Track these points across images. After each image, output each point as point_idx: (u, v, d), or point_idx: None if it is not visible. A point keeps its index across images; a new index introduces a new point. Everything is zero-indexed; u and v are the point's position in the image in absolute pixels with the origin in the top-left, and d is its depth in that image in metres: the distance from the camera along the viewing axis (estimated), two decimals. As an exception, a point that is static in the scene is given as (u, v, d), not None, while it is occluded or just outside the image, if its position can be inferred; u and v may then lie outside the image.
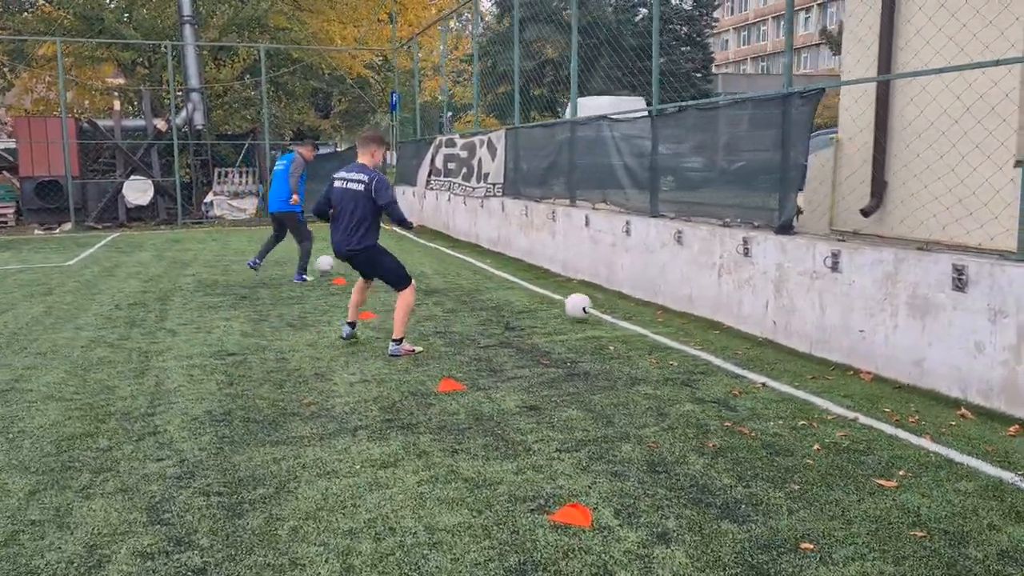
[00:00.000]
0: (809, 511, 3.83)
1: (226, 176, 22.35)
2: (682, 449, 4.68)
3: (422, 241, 16.48)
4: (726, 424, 5.09)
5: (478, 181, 15.14)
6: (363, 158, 7.11)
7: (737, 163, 7.79)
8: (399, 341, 7.00)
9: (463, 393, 5.86)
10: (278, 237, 11.53)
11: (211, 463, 4.59)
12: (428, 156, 18.67)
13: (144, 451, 4.79)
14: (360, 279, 7.53)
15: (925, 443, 4.72)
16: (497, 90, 39.34)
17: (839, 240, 6.58)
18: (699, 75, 44.20)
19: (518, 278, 11.28)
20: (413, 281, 7.27)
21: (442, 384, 6.04)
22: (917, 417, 5.14)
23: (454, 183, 16.61)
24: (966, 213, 6.49)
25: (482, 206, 14.83)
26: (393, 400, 5.71)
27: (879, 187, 7.42)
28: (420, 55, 33.33)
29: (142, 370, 6.62)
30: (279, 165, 11.26)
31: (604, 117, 10.43)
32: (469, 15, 38.49)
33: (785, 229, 7.06)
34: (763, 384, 5.95)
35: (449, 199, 17.00)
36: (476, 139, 15.34)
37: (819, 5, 72.56)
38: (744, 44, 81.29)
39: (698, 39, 44.78)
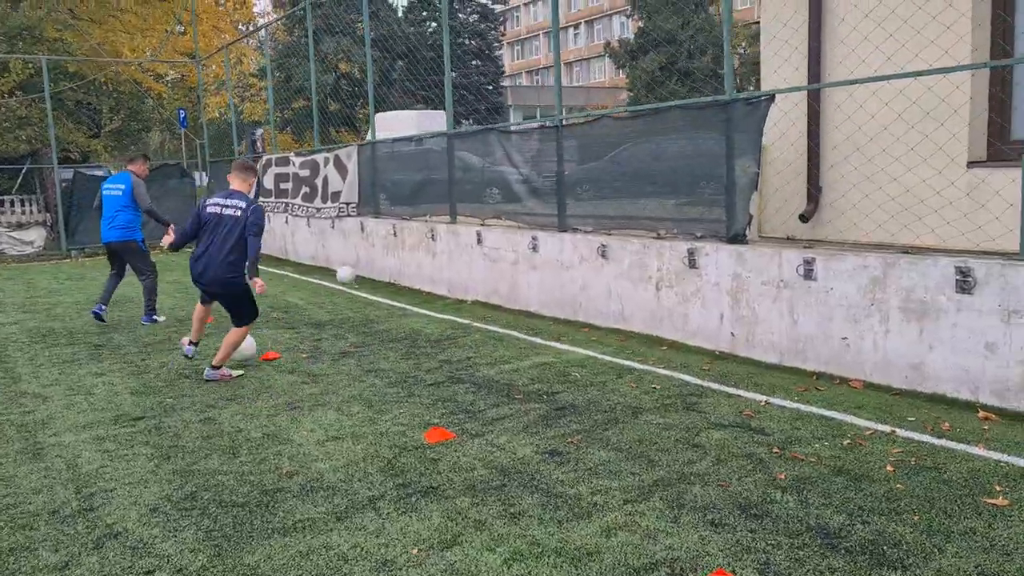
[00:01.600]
0: (956, 547, 3.54)
1: (3, 205, 19.61)
2: (757, 485, 4.28)
3: (267, 268, 15.16)
4: (774, 451, 4.76)
5: (324, 201, 14.13)
6: (239, 185, 6.88)
7: (669, 173, 7.55)
8: (218, 367, 6.85)
9: (457, 442, 5.16)
10: (119, 273, 10.01)
11: (220, 568, 3.65)
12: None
13: (118, 562, 3.75)
14: (200, 304, 7.31)
15: (979, 452, 4.62)
16: (292, 106, 37.69)
17: (807, 247, 6.49)
18: (490, 88, 44.71)
19: (403, 303, 10.51)
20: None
21: (430, 433, 5.30)
22: (948, 424, 5.07)
23: (292, 204, 15.45)
24: (914, 215, 6.60)
25: (333, 227, 13.85)
26: (387, 458, 4.91)
27: (815, 192, 7.45)
28: (207, 69, 31.20)
29: (35, 450, 5.34)
30: (112, 190, 9.76)
31: (492, 129, 9.94)
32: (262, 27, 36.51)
33: (738, 238, 6.89)
34: (765, 402, 5.70)
35: (287, 221, 15.80)
36: (319, 157, 14.32)
37: (586, 22, 76.09)
38: (518, 58, 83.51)
39: (488, 53, 45.24)
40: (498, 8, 45.28)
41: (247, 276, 6.76)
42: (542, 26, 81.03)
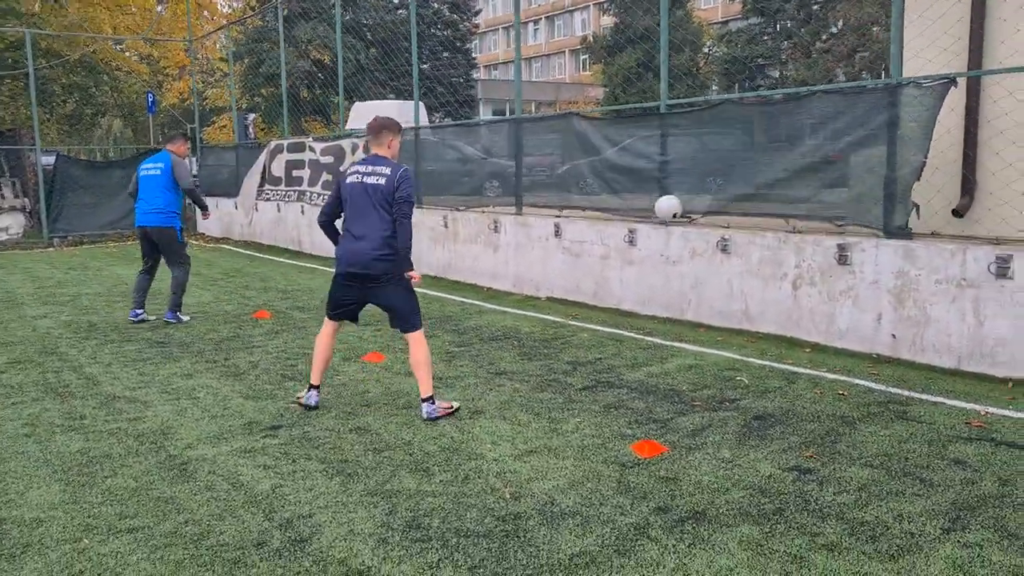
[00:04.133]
0: None
1: (-23, 190, 18.29)
2: (1076, 510, 3.79)
3: (284, 260, 14.31)
4: (1055, 468, 4.27)
5: (351, 189, 13.33)
6: (379, 149, 5.46)
7: (809, 164, 7.05)
8: (432, 400, 5.36)
9: (676, 457, 4.57)
10: (151, 267, 8.85)
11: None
12: (260, 163, 16.38)
13: (392, 611, 3.07)
14: (327, 324, 5.67)
15: None
16: (262, 91, 36.32)
17: (996, 243, 6.04)
18: (461, 80, 43.86)
19: (470, 299, 9.84)
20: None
21: (639, 447, 4.69)
22: None
23: (310, 193, 14.60)
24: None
25: (363, 218, 13.04)
26: (614, 477, 4.29)
27: (969, 185, 7.03)
28: (171, 54, 29.85)
29: (176, 466, 4.59)
30: (150, 170, 8.74)
31: (576, 114, 9.32)
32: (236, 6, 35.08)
33: (901, 233, 6.42)
34: (986, 412, 5.22)
35: (303, 211, 14.93)
36: (345, 142, 13.53)
37: (547, 18, 75.72)
38: (476, 53, 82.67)
39: (460, 45, 44.42)
40: (470, -1, 44.46)
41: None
42: (500, 20, 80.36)
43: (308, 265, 13.35)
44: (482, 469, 4.44)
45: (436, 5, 43.42)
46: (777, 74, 40.52)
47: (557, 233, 9.37)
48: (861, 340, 6.64)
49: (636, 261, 8.46)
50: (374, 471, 4.45)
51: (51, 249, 17.06)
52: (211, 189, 19.59)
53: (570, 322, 8.30)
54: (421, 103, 26.45)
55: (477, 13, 45.52)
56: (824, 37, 33.93)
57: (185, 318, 8.82)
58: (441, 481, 4.30)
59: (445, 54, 43.29)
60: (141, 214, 8.67)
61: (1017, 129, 6.60)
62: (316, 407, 5.58)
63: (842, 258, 6.69)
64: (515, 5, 10.18)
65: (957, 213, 7.05)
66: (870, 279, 6.53)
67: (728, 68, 41.91)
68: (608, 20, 48.69)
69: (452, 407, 5.44)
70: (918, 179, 6.39)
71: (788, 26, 39.08)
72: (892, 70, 6.45)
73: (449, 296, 10.03)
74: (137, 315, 8.66)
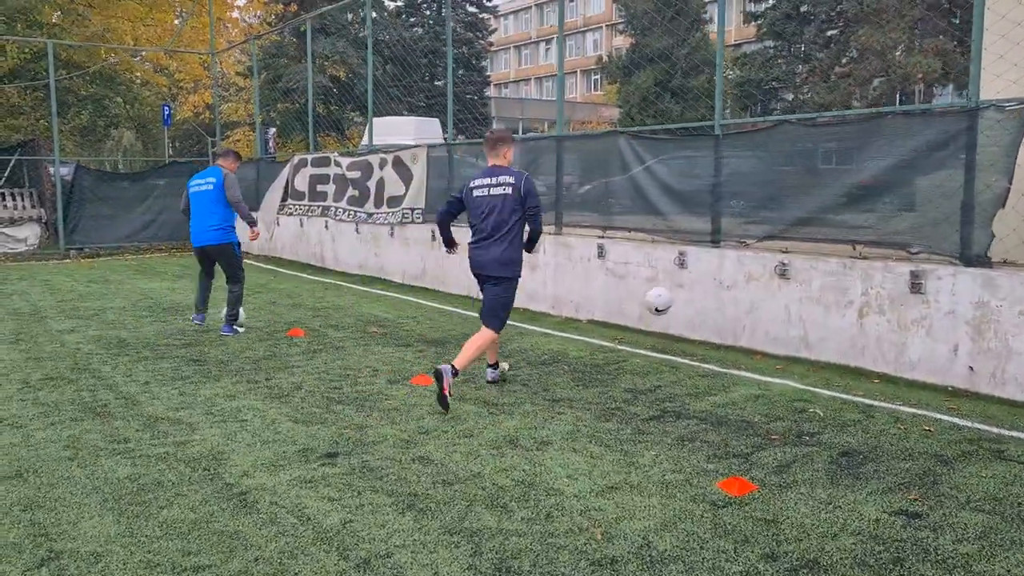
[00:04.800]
0: None
1: (-6, 199, 18.05)
2: None
3: (308, 276, 14.04)
4: None
5: (379, 206, 13.09)
6: (496, 160, 6.23)
7: (878, 187, 6.79)
8: (456, 373, 5.86)
9: (769, 496, 4.27)
10: (211, 276, 8.91)
11: None
12: (283, 177, 16.16)
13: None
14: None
15: None
16: (277, 106, 36.19)
17: (1087, 274, 5.77)
18: (475, 98, 43.79)
19: (510, 320, 9.50)
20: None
21: (728, 484, 4.40)
22: None
23: (335, 208, 14.36)
24: None
25: (392, 234, 12.81)
26: (706, 517, 3.99)
27: (1046, 213, 6.75)
28: (186, 66, 29.73)
29: (235, 495, 4.30)
30: (201, 185, 8.63)
31: (618, 132, 9.08)
32: (247, 22, 35.04)
33: (980, 261, 6.15)
34: (1086, 452, 4.93)
35: (327, 225, 14.68)
36: (373, 157, 13.29)
37: (557, 38, 75.79)
38: (486, 71, 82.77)
39: (474, 63, 44.40)
40: (484, 16, 44.45)
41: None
42: (512, 40, 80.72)
43: (333, 282, 13.07)
44: (564, 506, 4.15)
45: (451, 23, 43.38)
46: (791, 97, 40.32)
47: (600, 254, 9.10)
48: (934, 372, 6.35)
49: (687, 284, 8.18)
50: (448, 506, 4.16)
51: (67, 261, 16.83)
52: (230, 203, 19.37)
53: (619, 347, 8.02)
54: (437, 120, 26.26)
55: (492, 32, 45.42)
56: (844, 61, 33.72)
57: (241, 329, 8.84)
58: (523, 519, 4.01)
59: (460, 72, 43.26)
60: (197, 233, 8.68)
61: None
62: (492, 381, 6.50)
63: (915, 286, 6.41)
64: (559, 19, 9.97)
65: (1033, 241, 6.77)
66: (946, 309, 6.25)
67: (743, 91, 41.75)
68: (621, 40, 48.73)
69: (447, 394, 5.73)
70: (1003, 206, 6.12)
71: (804, 50, 38.97)
72: (971, 92, 6.19)
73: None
74: (201, 319, 8.92)
